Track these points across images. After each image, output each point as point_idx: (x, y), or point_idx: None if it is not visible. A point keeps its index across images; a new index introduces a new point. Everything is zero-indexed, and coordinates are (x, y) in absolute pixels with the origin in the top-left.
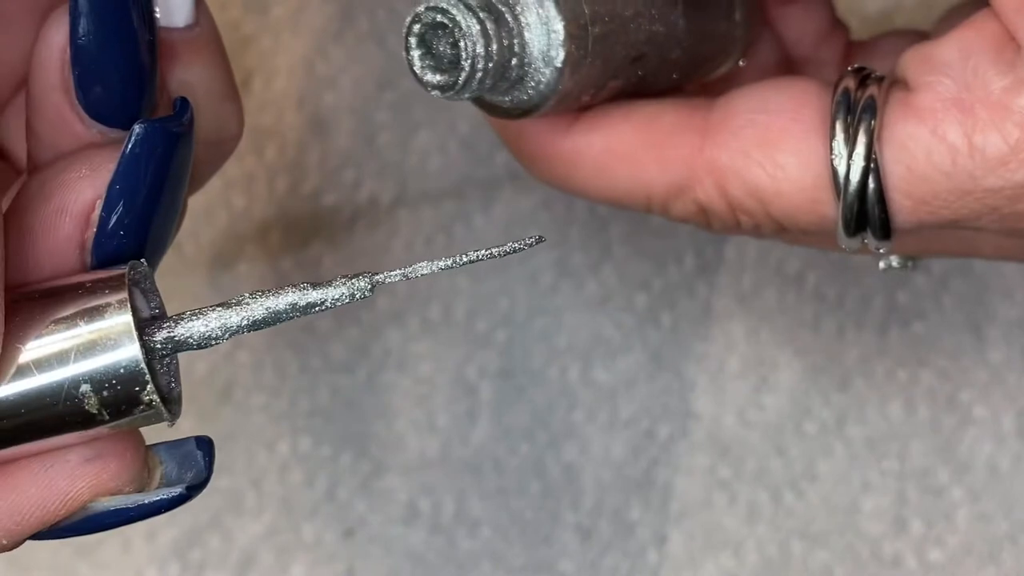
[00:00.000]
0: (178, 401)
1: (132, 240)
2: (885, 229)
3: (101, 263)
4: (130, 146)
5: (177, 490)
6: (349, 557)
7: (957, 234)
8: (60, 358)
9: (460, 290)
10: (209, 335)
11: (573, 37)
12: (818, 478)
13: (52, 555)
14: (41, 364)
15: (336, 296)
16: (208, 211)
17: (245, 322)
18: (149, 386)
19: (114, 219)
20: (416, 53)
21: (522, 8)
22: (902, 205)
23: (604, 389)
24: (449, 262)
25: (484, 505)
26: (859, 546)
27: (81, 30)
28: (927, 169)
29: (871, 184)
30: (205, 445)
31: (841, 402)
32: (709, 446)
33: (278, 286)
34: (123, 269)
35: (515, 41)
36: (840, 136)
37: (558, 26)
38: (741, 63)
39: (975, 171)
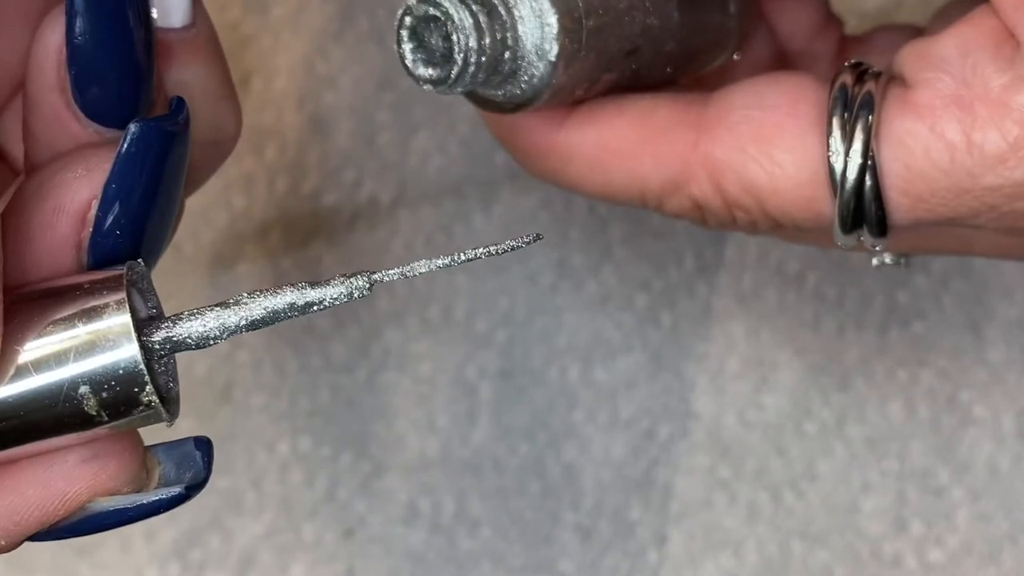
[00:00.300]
0: (176, 401)
1: (128, 240)
2: (882, 227)
3: (97, 263)
4: (126, 145)
5: (176, 490)
6: (349, 557)
7: (954, 232)
8: (59, 359)
9: (460, 290)
10: (207, 335)
11: (567, 30)
12: (818, 478)
13: (52, 555)
14: (40, 365)
15: (334, 295)
16: (208, 211)
17: (243, 322)
18: (148, 387)
19: (110, 219)
20: (408, 46)
21: (515, 1)
22: (899, 203)
23: (604, 389)
24: (447, 260)
25: (484, 505)
26: (859, 546)
27: (77, 30)
28: (925, 166)
29: (868, 181)
30: (203, 445)
31: (841, 402)
32: (709, 446)
33: (276, 286)
34: (121, 269)
35: (508, 34)
36: (837, 132)
37: (552, 19)
38: (736, 56)
39: (974, 169)
